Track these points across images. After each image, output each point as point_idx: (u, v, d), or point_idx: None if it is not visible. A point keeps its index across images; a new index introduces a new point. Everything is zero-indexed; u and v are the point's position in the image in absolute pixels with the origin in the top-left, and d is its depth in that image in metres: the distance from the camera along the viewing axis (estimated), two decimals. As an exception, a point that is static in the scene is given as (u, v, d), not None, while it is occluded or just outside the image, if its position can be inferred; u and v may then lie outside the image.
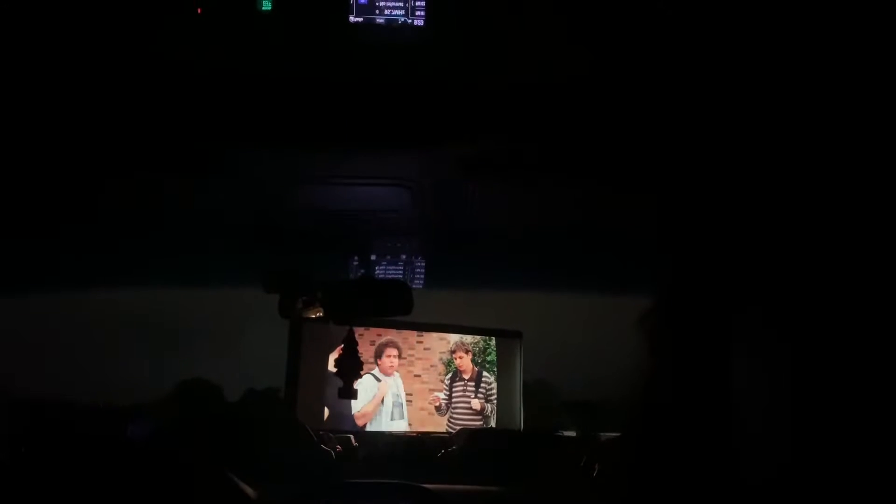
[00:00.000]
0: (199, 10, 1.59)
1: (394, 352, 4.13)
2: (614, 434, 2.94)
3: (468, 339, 4.29)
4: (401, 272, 2.67)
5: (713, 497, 1.30)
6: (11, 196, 1.98)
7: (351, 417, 3.93)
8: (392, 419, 4.03)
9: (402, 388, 4.13)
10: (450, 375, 4.23)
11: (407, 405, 4.11)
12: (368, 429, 3.95)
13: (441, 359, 4.24)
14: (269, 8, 1.61)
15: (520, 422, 4.22)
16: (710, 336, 1.36)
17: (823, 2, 1.45)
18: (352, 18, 1.63)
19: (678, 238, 1.83)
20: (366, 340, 4.03)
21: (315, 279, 2.18)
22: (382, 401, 4.04)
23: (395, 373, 4.13)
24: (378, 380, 4.06)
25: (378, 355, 4.08)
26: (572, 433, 3.87)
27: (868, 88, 1.42)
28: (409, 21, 1.63)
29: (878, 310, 1.16)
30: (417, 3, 1.63)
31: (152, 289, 3.10)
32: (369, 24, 1.64)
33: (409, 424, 4.14)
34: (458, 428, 4.11)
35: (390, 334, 4.12)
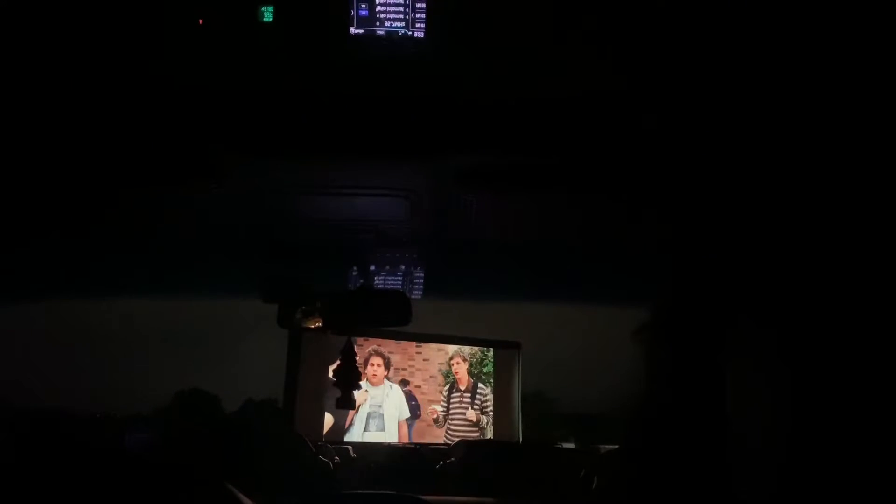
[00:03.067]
0: (199, 22, 1.59)
1: (378, 360, 4.08)
2: (613, 446, 2.94)
3: (466, 348, 4.29)
4: (400, 283, 2.67)
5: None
6: (11, 204, 1.98)
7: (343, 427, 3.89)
8: (367, 430, 3.96)
9: (401, 400, 4.10)
10: (447, 387, 4.23)
11: (402, 418, 4.08)
12: (346, 439, 3.89)
13: (440, 370, 4.24)
14: (270, 19, 1.61)
15: (518, 433, 4.21)
16: (708, 349, 1.36)
17: (823, 5, 1.46)
18: (352, 30, 1.64)
19: (676, 251, 1.84)
20: (364, 351, 4.03)
21: (314, 289, 2.18)
22: (358, 409, 3.96)
23: (389, 383, 4.10)
24: (359, 388, 4.01)
25: (363, 363, 4.04)
26: (571, 445, 3.86)
27: (865, 104, 1.43)
28: (410, 33, 1.64)
29: (875, 328, 1.16)
30: (418, 16, 1.63)
31: (152, 299, 3.10)
32: (370, 36, 1.64)
33: (408, 434, 4.13)
34: (455, 439, 4.09)
35: (379, 344, 4.10)
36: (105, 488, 1.29)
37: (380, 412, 4.04)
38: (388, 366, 4.11)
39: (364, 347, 4.04)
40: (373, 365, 4.08)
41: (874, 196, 1.34)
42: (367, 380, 4.00)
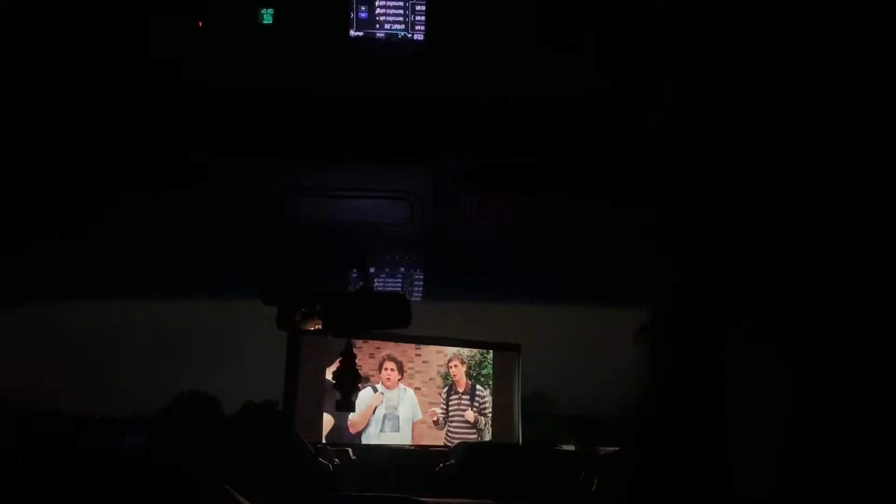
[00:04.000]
0: (199, 24, 1.60)
1: (392, 365, 4.14)
2: (613, 448, 2.93)
3: (464, 350, 4.30)
4: (399, 285, 2.67)
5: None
6: (11, 204, 1.98)
7: (346, 427, 3.95)
8: (382, 431, 4.03)
9: (414, 402, 4.13)
10: (446, 389, 4.24)
11: (416, 419, 4.12)
12: (363, 440, 3.96)
13: (439, 371, 4.24)
14: (270, 21, 1.61)
15: (518, 435, 4.21)
16: (708, 350, 1.36)
17: (823, 9, 1.46)
18: (352, 32, 1.64)
19: (676, 252, 1.84)
20: (364, 353, 4.04)
21: (314, 291, 2.18)
22: (375, 411, 4.04)
23: (404, 386, 4.14)
24: (375, 390, 4.06)
25: (378, 367, 4.12)
26: (571, 447, 3.86)
27: (865, 104, 1.43)
28: (409, 35, 1.64)
29: (876, 328, 1.16)
30: (417, 18, 1.63)
31: (152, 300, 3.10)
32: (369, 39, 1.64)
33: (412, 438, 4.13)
34: (455, 441, 4.10)
35: (390, 348, 4.14)
36: (104, 490, 1.29)
37: (395, 414, 4.10)
38: (401, 370, 4.17)
39: (377, 352, 4.09)
40: (387, 369, 4.15)
41: (874, 196, 1.35)
42: (382, 383, 4.09)
